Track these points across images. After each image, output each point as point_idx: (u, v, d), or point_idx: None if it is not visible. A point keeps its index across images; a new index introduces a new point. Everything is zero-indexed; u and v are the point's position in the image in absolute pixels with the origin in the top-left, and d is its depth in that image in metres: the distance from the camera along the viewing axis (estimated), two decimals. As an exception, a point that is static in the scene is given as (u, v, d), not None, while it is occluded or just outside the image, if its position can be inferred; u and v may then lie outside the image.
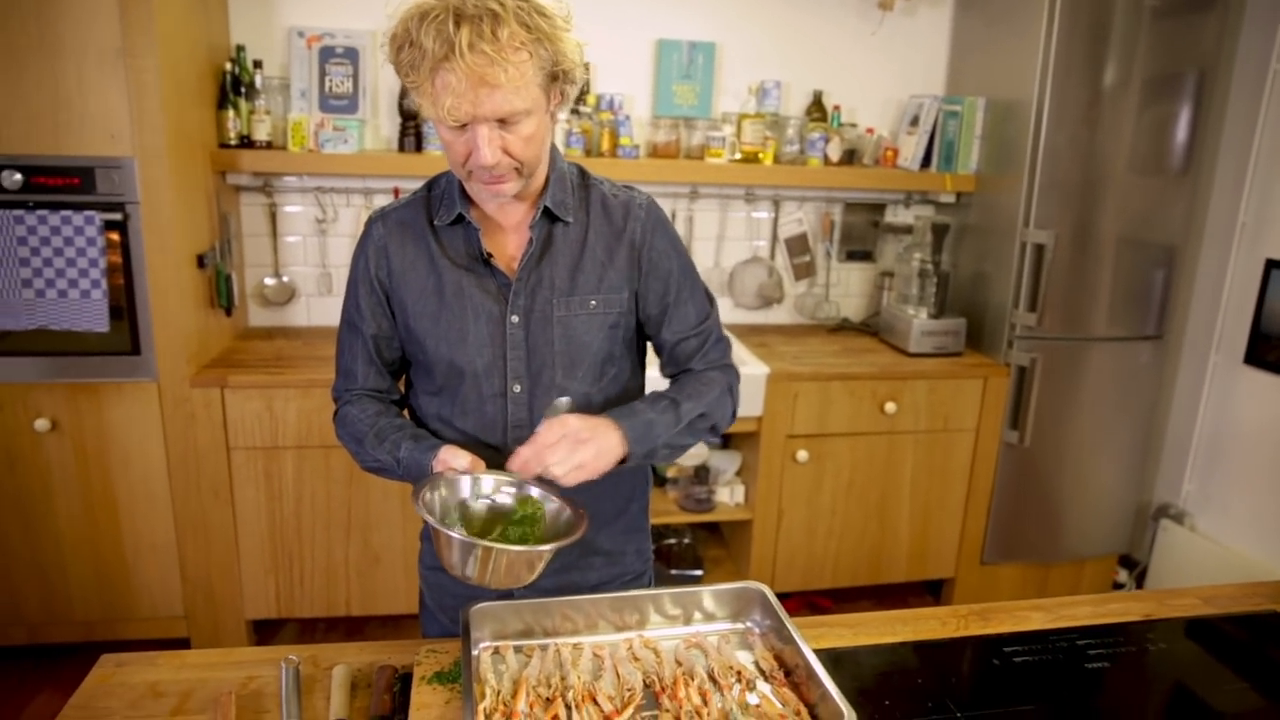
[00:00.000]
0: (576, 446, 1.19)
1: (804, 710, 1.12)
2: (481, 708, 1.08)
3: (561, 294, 1.31)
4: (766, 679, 1.19)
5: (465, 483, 1.22)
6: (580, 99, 3.01)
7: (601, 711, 1.10)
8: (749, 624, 1.32)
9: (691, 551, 3.13)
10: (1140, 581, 3.35)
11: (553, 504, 1.22)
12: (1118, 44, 2.79)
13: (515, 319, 1.31)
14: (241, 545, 2.65)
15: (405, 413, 1.45)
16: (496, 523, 1.22)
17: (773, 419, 2.86)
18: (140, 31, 2.25)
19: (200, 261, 2.59)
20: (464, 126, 1.15)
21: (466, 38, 1.07)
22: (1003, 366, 3.00)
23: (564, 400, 1.25)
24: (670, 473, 3.08)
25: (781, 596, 3.11)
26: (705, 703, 1.12)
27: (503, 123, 1.15)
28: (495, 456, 1.33)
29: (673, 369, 1.44)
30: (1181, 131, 2.92)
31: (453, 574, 1.12)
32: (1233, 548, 3.07)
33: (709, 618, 1.32)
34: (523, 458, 1.20)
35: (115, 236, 2.40)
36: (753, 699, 1.14)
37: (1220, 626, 1.49)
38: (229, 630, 2.71)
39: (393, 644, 1.33)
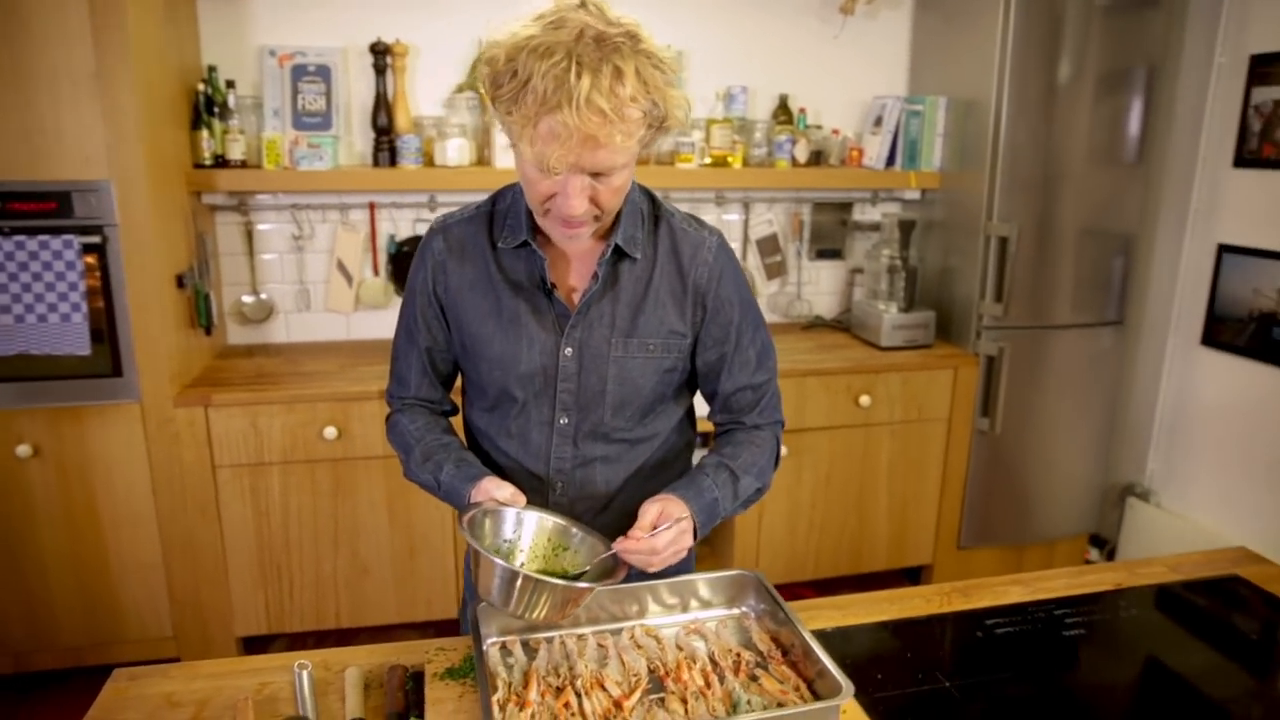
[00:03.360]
0: (681, 536, 1.21)
1: (803, 686, 1.17)
2: (495, 699, 1.12)
3: (621, 333, 1.29)
4: (765, 659, 1.24)
5: (510, 515, 1.24)
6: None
7: (610, 696, 1.15)
8: (744, 609, 1.37)
9: (677, 550, 3.17)
10: (1110, 559, 3.46)
11: (594, 548, 1.25)
12: (1070, 41, 2.90)
13: (569, 351, 1.29)
14: (229, 562, 2.66)
15: (460, 419, 1.46)
16: (535, 563, 1.25)
17: (752, 416, 2.91)
18: (115, 55, 2.27)
19: (179, 282, 2.60)
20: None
21: (586, 91, 1.02)
22: (972, 356, 3.09)
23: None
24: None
25: (766, 590, 3.18)
26: (708, 684, 1.18)
27: (596, 174, 1.13)
28: (536, 484, 1.35)
29: (725, 417, 1.41)
30: (1134, 124, 3.04)
31: (489, 601, 1.13)
32: (1197, 521, 3.18)
33: (705, 605, 1.38)
34: (633, 551, 1.19)
35: (94, 260, 2.40)
36: (754, 678, 1.20)
37: (1186, 592, 1.56)
38: (219, 648, 2.71)
39: (399, 645, 1.36)
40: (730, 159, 3.17)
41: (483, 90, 1.13)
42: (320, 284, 3.07)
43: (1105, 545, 3.50)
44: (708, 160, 3.17)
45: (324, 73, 2.88)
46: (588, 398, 1.31)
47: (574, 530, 1.27)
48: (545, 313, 1.29)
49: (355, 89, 2.96)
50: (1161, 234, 3.27)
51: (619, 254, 1.29)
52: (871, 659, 1.33)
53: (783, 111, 3.28)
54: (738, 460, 1.34)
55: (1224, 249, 3.06)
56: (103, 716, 1.20)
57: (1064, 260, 3.08)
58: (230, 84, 2.81)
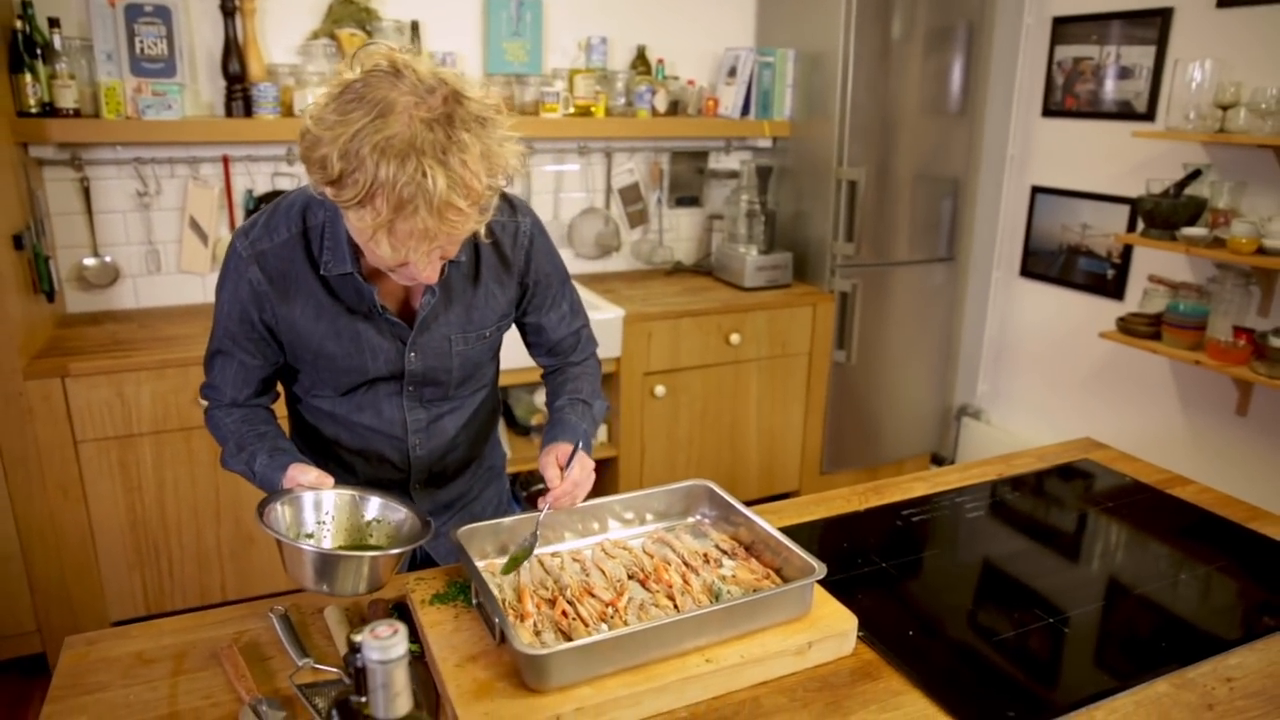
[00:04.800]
0: (591, 474, 1.36)
1: (772, 574, 1.29)
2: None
3: (459, 330, 1.35)
4: (730, 556, 1.35)
5: (307, 499, 1.23)
6: (413, 57, 2.98)
7: (602, 601, 1.22)
8: (698, 516, 1.47)
9: (562, 495, 3.24)
10: (947, 473, 3.85)
11: (398, 515, 1.26)
12: (901, 0, 3.15)
13: (413, 355, 1.33)
14: (99, 544, 2.48)
15: (284, 402, 1.45)
16: (340, 538, 1.25)
17: (631, 358, 3.02)
18: (-71, -14, 2.02)
19: (17, 242, 2.37)
20: None
21: (443, 193, 1.00)
22: (828, 294, 3.33)
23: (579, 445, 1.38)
24: (534, 420, 3.17)
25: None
26: (687, 581, 1.27)
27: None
28: (396, 443, 1.41)
29: (552, 360, 1.53)
30: (957, 78, 3.34)
31: (304, 586, 1.14)
32: (1020, 434, 3.60)
33: (661, 517, 1.47)
34: (563, 493, 1.31)
35: (-84, 219, 2.15)
36: (726, 571, 1.30)
37: (1053, 475, 1.82)
38: (90, 636, 2.53)
39: (367, 584, 1.36)
40: (594, 109, 3.22)
41: (313, 182, 1.06)
42: (172, 244, 2.87)
43: (943, 462, 3.89)
44: (571, 110, 3.21)
45: (163, 14, 2.66)
46: (434, 380, 1.38)
47: (372, 499, 1.27)
48: (384, 329, 1.31)
49: (199, 32, 2.77)
50: (984, 177, 3.63)
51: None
52: (816, 551, 1.46)
53: (641, 62, 3.36)
54: (583, 392, 1.48)
55: (1036, 190, 3.45)
56: (71, 683, 1.14)
57: (902, 202, 3.36)
58: (54, 23, 2.55)
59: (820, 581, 1.25)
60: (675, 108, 3.40)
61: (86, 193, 2.73)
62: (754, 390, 3.28)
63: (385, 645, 0.70)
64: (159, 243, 2.86)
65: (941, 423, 3.75)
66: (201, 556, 2.60)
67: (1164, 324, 2.83)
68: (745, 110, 3.42)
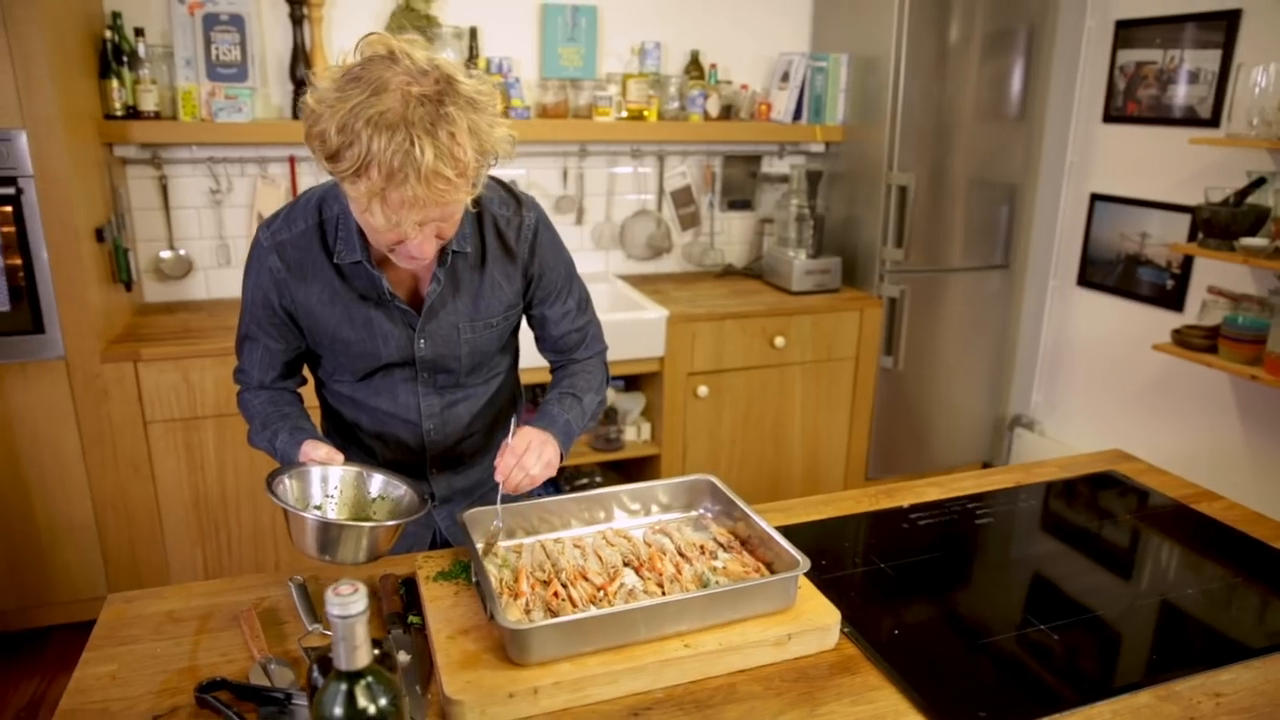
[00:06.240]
0: (543, 448, 1.36)
1: (763, 568, 1.33)
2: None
3: (466, 318, 1.42)
4: (725, 549, 1.39)
5: (315, 473, 1.32)
6: (470, 62, 3.10)
7: (594, 585, 1.27)
8: (701, 510, 1.52)
9: (605, 491, 3.31)
10: (999, 484, 3.78)
11: (398, 491, 1.35)
12: (960, 3, 3.12)
13: (423, 343, 1.41)
14: (165, 519, 2.65)
15: (312, 387, 1.54)
16: (344, 512, 1.34)
17: (674, 358, 3.07)
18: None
19: (99, 235, 2.55)
20: None
21: (431, 163, 1.07)
22: (876, 299, 3.32)
23: (513, 420, 1.42)
24: (581, 418, 3.24)
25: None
26: (679, 571, 1.32)
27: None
28: (411, 428, 1.49)
29: (556, 356, 1.59)
30: (1016, 82, 3.30)
31: (307, 554, 1.23)
32: (1075, 446, 3.52)
33: (665, 509, 1.52)
34: (506, 467, 1.31)
35: (8, 210, 2.34)
36: (718, 563, 1.34)
37: (1074, 485, 1.80)
38: (156, 605, 2.71)
39: (380, 560, 1.45)
40: (646, 113, 3.28)
41: (314, 157, 1.14)
42: (241, 239, 3.05)
43: (993, 471, 3.82)
44: (624, 114, 3.27)
45: (238, 22, 2.83)
46: (444, 367, 1.46)
47: (375, 475, 1.36)
48: (394, 316, 1.39)
49: (270, 39, 2.93)
50: (1042, 184, 3.56)
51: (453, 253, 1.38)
52: (816, 549, 1.49)
53: (694, 67, 3.41)
54: (576, 387, 1.53)
55: (1096, 198, 3.37)
56: (109, 634, 1.25)
57: (956, 208, 3.33)
58: (139, 32, 2.74)
59: (814, 579, 1.28)
60: (728, 112, 3.44)
61: (164, 190, 2.92)
62: (798, 393, 3.29)
63: (345, 602, 0.77)
64: (229, 238, 3.03)
65: (994, 432, 3.69)
66: (258, 534, 2.76)
67: (1221, 337, 2.74)
68: (798, 115, 3.43)
